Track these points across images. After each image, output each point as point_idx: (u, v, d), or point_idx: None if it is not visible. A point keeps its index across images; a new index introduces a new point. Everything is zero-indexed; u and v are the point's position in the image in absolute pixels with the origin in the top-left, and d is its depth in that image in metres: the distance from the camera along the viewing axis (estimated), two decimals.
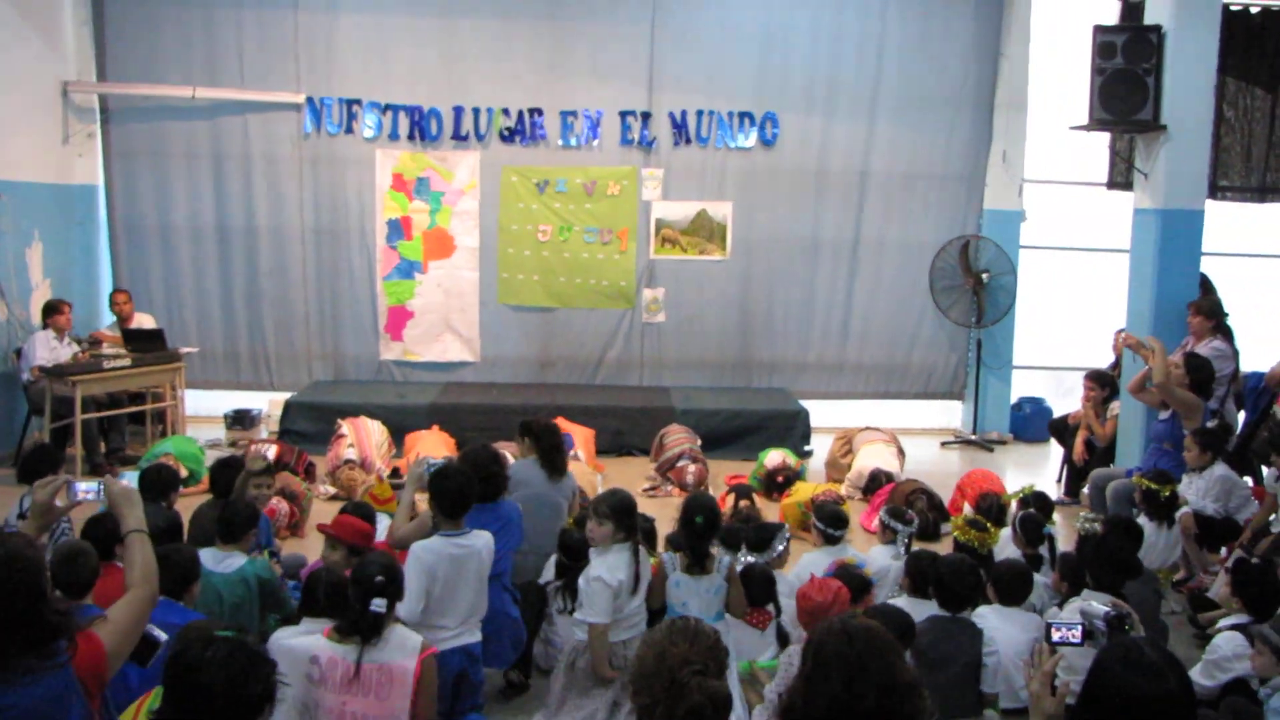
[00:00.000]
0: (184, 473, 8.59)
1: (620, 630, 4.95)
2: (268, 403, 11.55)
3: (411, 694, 4.04)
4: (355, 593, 4.16)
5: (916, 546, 6.31)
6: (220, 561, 5.32)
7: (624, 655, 4.90)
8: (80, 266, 11.75)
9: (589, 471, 9.29)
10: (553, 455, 6.43)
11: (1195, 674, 4.97)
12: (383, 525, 6.27)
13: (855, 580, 5.50)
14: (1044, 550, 6.48)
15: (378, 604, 4.06)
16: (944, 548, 6.78)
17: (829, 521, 6.47)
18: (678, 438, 10.02)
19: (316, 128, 11.76)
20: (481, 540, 5.07)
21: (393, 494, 7.76)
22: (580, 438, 9.98)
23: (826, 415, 11.96)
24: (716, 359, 12.42)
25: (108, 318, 11.16)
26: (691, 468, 9.43)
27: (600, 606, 4.84)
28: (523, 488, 6.18)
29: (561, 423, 9.86)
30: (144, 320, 11.10)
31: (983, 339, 12.17)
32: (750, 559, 6.09)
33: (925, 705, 2.73)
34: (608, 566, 4.87)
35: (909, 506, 7.61)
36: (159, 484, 6.39)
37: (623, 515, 4.99)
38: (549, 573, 6.05)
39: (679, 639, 2.89)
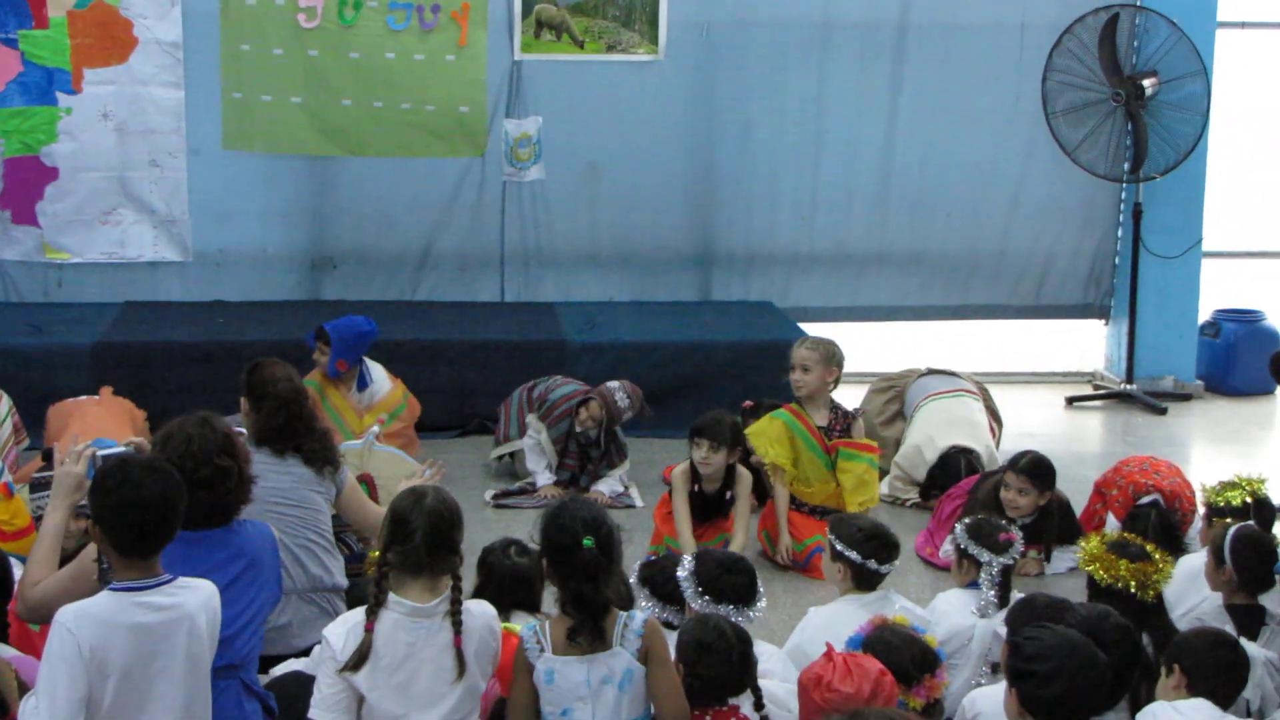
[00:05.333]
0: None
1: None
2: None
3: None
4: None
5: (1021, 590, 5.13)
6: None
7: None
8: None
9: (396, 458, 7.35)
10: (283, 425, 5.24)
11: None
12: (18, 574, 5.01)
13: (910, 653, 4.17)
14: (1272, 601, 5.15)
15: None
16: (1070, 589, 5.36)
17: (868, 544, 4.95)
18: (563, 388, 8.01)
19: None
20: (197, 596, 3.88)
21: (32, 521, 6.09)
22: None
23: (857, 350, 9.14)
24: (643, 250, 9.95)
25: None
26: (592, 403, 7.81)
27: (323, 693, 3.86)
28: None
29: None
30: None
31: (1144, 204, 9.55)
32: (702, 607, 4.40)
33: None
34: (348, 627, 3.89)
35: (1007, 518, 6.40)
36: None
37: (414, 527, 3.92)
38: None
39: None
